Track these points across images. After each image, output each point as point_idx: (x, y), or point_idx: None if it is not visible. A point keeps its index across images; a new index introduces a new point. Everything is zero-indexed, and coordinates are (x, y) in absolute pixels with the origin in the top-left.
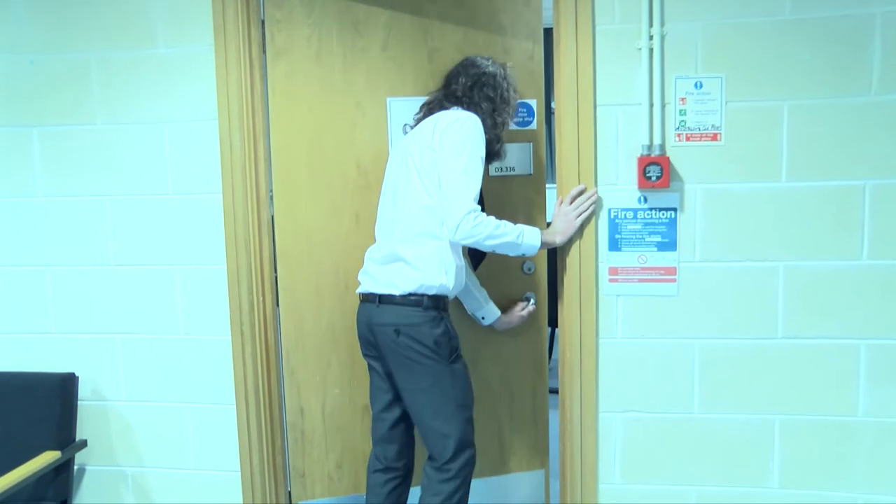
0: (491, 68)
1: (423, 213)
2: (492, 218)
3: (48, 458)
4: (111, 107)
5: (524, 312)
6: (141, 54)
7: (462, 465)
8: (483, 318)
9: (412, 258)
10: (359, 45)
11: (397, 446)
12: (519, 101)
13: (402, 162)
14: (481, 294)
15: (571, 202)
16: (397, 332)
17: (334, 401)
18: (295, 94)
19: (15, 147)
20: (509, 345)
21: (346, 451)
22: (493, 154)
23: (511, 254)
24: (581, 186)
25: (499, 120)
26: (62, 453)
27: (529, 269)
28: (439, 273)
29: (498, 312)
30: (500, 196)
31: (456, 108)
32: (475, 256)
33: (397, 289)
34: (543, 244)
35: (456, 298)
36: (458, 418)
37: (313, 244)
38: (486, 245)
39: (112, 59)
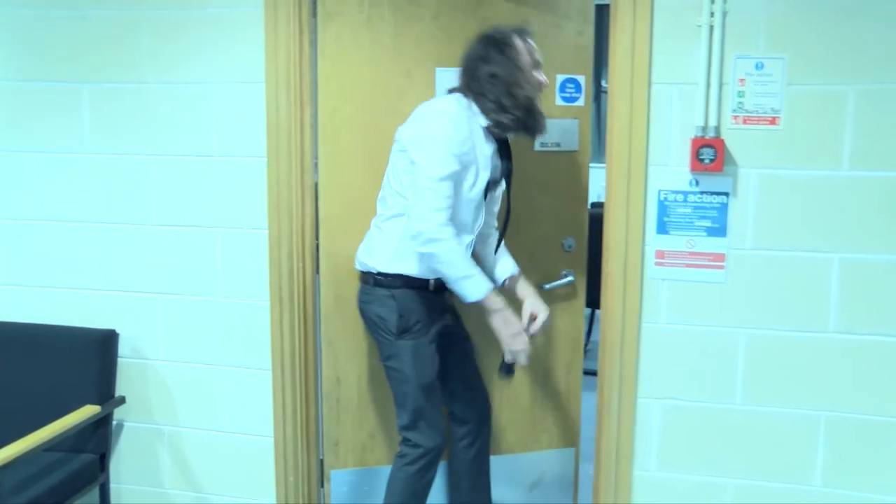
0: (496, 36)
1: (391, 197)
2: (452, 242)
3: (88, 412)
4: (160, 65)
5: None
6: (192, 13)
7: (413, 447)
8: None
9: (370, 236)
10: (410, 12)
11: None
12: (567, 76)
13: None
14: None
15: (530, 325)
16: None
17: (371, 371)
18: (344, 59)
19: (66, 103)
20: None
21: (381, 422)
22: (527, 128)
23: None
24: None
25: (506, 102)
26: (101, 408)
27: (570, 247)
28: (384, 256)
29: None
30: (543, 171)
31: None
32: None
33: (358, 264)
34: (485, 302)
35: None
36: (408, 395)
37: (356, 211)
38: (433, 265)
39: (163, 17)
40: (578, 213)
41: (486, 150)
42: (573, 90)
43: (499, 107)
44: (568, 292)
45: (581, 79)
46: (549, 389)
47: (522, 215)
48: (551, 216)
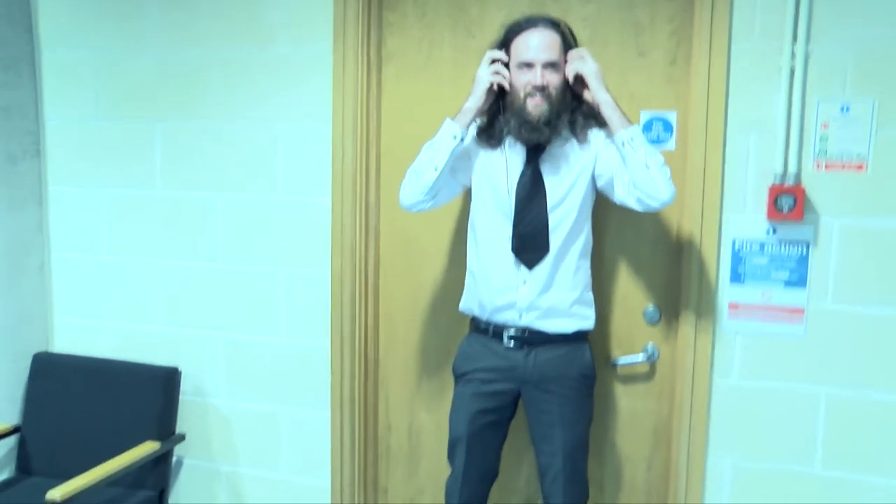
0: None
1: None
2: (406, 179)
3: (149, 448)
4: (229, 104)
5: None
6: (263, 52)
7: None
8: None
9: None
10: (471, 46)
11: None
12: (653, 113)
13: None
14: None
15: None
16: None
17: (421, 423)
18: (404, 97)
19: (140, 141)
20: (622, 399)
21: (429, 479)
22: (517, 132)
23: (436, 162)
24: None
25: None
26: (161, 445)
27: (652, 318)
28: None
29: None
30: (623, 227)
31: None
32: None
33: None
34: (455, 125)
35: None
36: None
37: (412, 255)
38: (418, 188)
39: (233, 58)
40: (667, 278)
41: (499, 158)
42: (661, 129)
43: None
44: (647, 372)
45: (672, 116)
46: (624, 486)
47: (596, 276)
48: (631, 280)
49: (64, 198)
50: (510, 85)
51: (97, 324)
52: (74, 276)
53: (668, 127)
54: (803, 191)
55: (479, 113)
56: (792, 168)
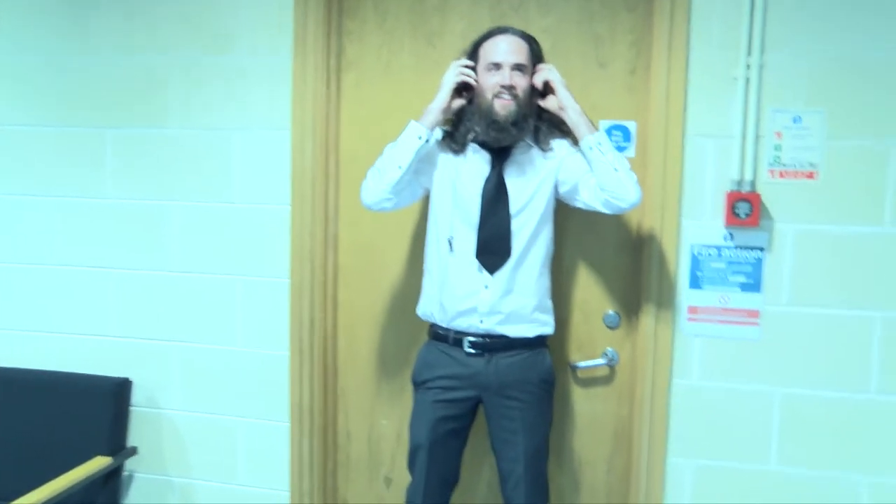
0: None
1: None
2: (369, 176)
3: (100, 463)
4: (185, 111)
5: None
6: (221, 60)
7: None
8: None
9: None
10: (432, 56)
11: None
12: (613, 122)
13: None
14: None
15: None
16: None
17: (380, 431)
18: (363, 105)
19: (89, 148)
20: (582, 402)
21: (392, 487)
22: (487, 134)
23: (400, 161)
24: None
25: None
26: (113, 459)
27: (612, 323)
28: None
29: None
30: (585, 232)
31: None
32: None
33: None
34: (421, 125)
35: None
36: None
37: (374, 264)
38: (381, 186)
39: (192, 64)
40: (627, 282)
41: (462, 163)
42: (620, 138)
43: (454, 122)
44: (608, 375)
45: (631, 125)
46: (584, 489)
47: (556, 281)
48: (592, 285)
49: (4, 205)
50: (478, 85)
51: (42, 335)
52: (18, 286)
53: (627, 136)
54: (759, 197)
55: (444, 114)
56: (748, 175)
